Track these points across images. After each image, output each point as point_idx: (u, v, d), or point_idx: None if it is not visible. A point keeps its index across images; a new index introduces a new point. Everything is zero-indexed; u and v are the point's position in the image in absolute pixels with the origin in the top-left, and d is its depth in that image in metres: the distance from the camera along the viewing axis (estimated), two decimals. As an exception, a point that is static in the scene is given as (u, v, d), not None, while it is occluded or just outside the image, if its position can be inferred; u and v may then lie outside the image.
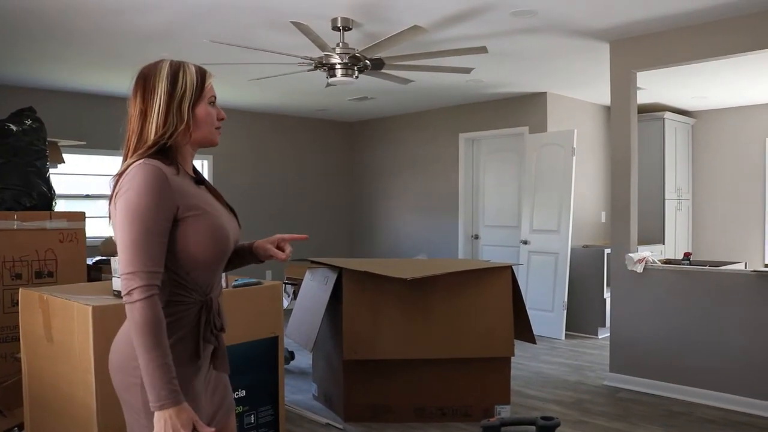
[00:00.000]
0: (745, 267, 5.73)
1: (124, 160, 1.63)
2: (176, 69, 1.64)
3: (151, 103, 1.60)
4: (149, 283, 1.49)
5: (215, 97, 1.72)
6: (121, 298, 2.57)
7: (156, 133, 1.60)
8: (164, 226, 1.53)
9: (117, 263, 2.65)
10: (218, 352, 1.73)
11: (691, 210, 8.08)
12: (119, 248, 1.52)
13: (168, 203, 1.54)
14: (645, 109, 7.41)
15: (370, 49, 4.13)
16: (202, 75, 1.68)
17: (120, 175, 1.59)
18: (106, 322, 2.38)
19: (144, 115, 1.61)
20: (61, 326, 2.55)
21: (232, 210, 1.80)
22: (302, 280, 4.67)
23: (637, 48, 4.75)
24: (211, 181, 1.75)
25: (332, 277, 4.07)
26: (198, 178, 1.73)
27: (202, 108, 1.67)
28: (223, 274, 2.32)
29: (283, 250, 1.84)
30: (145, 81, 1.63)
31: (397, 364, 4.03)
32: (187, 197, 1.59)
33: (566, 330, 6.60)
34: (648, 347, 4.69)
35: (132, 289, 1.48)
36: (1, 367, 3.67)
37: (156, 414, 1.47)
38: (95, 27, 4.42)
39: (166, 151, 1.61)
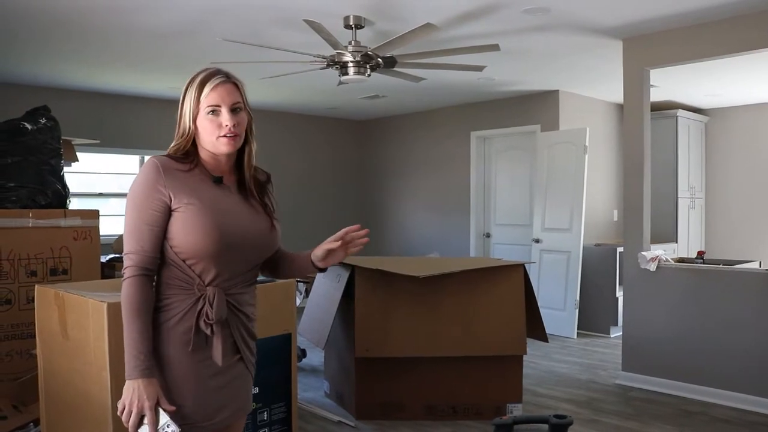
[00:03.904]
0: (760, 266, 5.69)
1: None
2: (189, 82, 1.74)
3: (177, 114, 1.77)
4: (138, 264, 1.66)
5: (217, 107, 1.70)
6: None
7: (176, 139, 1.76)
8: (153, 214, 1.67)
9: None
10: (213, 341, 1.72)
11: (704, 208, 8.02)
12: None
13: (157, 194, 1.67)
14: (658, 107, 7.37)
15: (383, 47, 4.14)
16: (201, 86, 1.70)
17: None
18: (121, 319, 2.39)
19: (177, 123, 1.77)
20: (76, 323, 2.57)
21: (269, 215, 1.83)
22: (314, 278, 4.68)
23: (650, 45, 4.72)
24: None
25: (344, 275, 4.08)
26: (217, 178, 1.76)
27: (200, 120, 1.71)
28: None
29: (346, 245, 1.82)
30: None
31: (408, 361, 4.03)
32: (185, 191, 1.69)
33: (578, 329, 6.57)
34: (661, 346, 4.66)
35: (125, 269, 1.68)
36: (17, 363, 3.71)
37: (126, 383, 1.63)
38: (109, 26, 4.45)
39: (187, 152, 1.76)
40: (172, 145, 1.76)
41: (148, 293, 1.66)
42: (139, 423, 1.62)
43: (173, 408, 1.65)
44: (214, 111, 1.70)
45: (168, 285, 1.71)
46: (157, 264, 1.70)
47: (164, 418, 1.63)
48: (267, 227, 1.81)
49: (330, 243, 1.80)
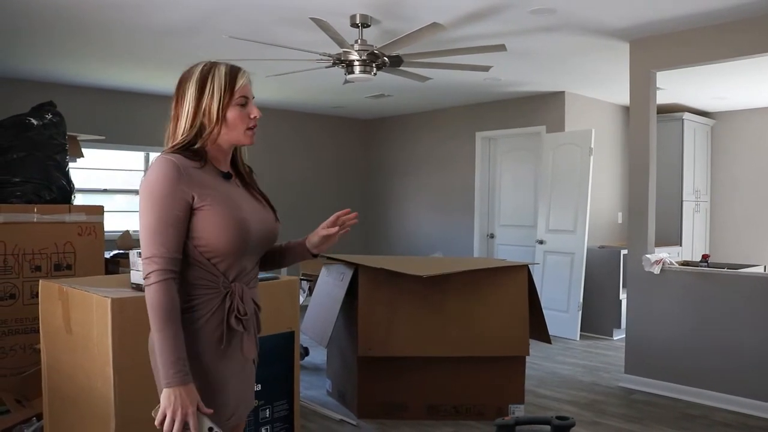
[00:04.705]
0: (765, 270, 5.67)
1: None
2: (206, 73, 1.70)
3: (181, 108, 1.70)
4: (164, 267, 1.59)
5: (246, 98, 1.72)
6: (140, 291, 2.60)
7: (183, 134, 1.69)
8: (176, 214, 1.61)
9: (135, 256, 2.67)
10: (243, 336, 1.75)
11: (709, 212, 8.00)
12: (140, 234, 1.64)
13: (180, 194, 1.61)
14: (664, 110, 7.34)
15: (389, 46, 4.13)
16: (232, 77, 1.70)
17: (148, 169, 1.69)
18: (125, 314, 2.40)
19: (176, 119, 1.71)
20: (80, 318, 2.57)
21: (271, 206, 1.87)
22: (318, 276, 4.68)
23: (657, 47, 4.71)
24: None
25: (348, 273, 4.08)
26: (226, 173, 1.76)
27: (232, 110, 1.70)
28: None
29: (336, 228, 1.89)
30: (179, 87, 1.72)
31: (411, 361, 4.03)
32: (205, 189, 1.66)
33: (581, 331, 6.57)
34: (664, 349, 4.65)
35: (149, 273, 1.59)
36: (20, 358, 3.72)
37: (164, 391, 1.56)
38: (113, 22, 4.46)
39: (195, 149, 1.70)
40: (180, 138, 1.68)
41: (176, 297, 1.60)
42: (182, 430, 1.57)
43: (211, 411, 1.61)
44: (243, 103, 1.72)
45: (193, 285, 1.66)
46: (180, 265, 1.64)
47: (207, 422, 1.59)
48: (273, 219, 1.84)
49: (326, 229, 1.87)
